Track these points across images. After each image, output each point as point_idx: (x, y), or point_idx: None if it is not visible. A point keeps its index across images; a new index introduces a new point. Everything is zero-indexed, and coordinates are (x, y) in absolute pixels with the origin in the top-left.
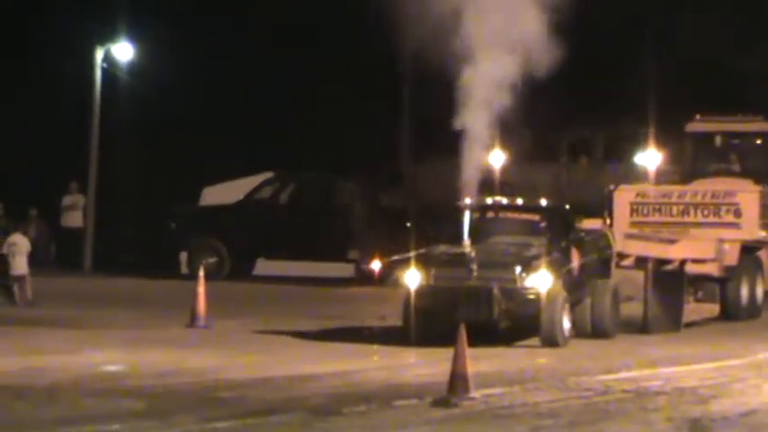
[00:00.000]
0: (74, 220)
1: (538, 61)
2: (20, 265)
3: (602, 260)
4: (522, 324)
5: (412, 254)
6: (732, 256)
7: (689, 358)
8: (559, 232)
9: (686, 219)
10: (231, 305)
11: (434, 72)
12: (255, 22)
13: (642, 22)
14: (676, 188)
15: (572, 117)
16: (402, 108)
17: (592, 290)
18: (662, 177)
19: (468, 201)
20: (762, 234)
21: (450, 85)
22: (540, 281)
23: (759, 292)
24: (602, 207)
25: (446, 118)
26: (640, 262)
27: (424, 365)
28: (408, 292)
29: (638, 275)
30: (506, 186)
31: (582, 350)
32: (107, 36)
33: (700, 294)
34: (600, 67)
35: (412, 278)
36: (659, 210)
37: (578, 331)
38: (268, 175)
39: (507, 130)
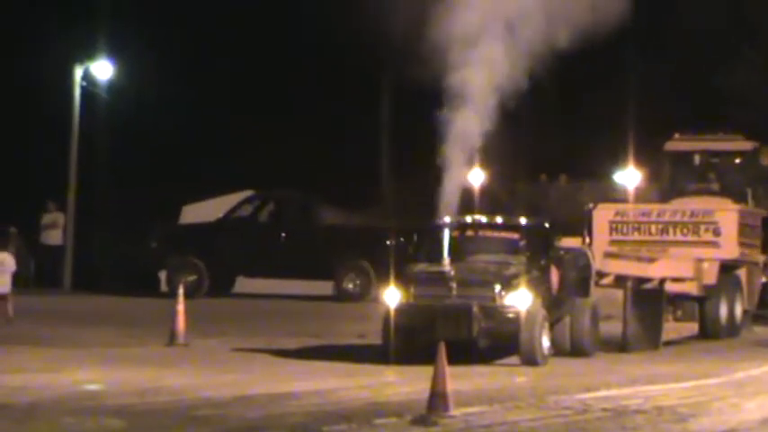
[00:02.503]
0: (53, 238)
1: (523, 77)
2: (4, 284)
3: (581, 279)
4: (502, 342)
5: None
6: (711, 274)
7: (668, 377)
8: (539, 251)
9: (665, 237)
10: (211, 323)
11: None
12: (233, 39)
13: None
14: (655, 207)
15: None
16: (382, 123)
17: (571, 308)
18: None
19: (447, 219)
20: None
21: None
22: (520, 299)
23: (738, 310)
24: (582, 225)
25: (427, 134)
26: (620, 280)
27: (403, 384)
28: (388, 311)
29: (618, 294)
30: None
31: (561, 369)
32: (86, 54)
33: (679, 313)
34: (580, 83)
35: (392, 296)
36: (638, 228)
37: (557, 350)
38: (248, 193)
39: (489, 148)
